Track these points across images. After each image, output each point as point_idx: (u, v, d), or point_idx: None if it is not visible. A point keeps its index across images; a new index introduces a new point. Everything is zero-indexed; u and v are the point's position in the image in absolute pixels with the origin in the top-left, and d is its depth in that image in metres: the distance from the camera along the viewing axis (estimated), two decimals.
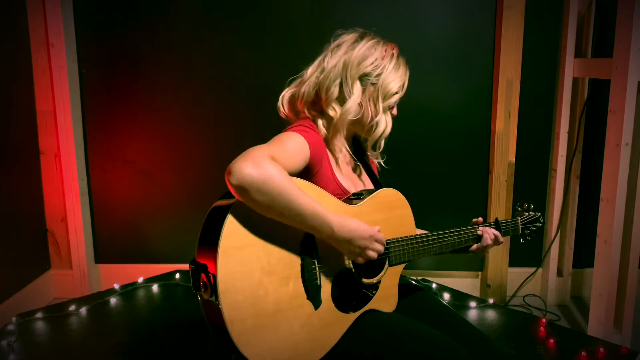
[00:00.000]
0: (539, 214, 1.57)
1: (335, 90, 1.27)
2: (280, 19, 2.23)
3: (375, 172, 1.47)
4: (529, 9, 2.15)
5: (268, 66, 2.26)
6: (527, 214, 1.55)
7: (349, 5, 2.21)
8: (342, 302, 1.21)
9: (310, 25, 2.22)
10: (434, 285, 2.10)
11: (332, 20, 2.22)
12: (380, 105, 1.29)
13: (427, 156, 2.34)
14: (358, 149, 1.44)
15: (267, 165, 1.03)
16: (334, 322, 1.20)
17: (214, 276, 1.03)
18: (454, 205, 2.35)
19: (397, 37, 2.17)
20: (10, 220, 2.15)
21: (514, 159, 2.26)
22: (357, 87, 1.27)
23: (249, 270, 1.07)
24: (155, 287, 2.08)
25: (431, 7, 2.22)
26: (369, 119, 1.30)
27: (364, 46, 1.28)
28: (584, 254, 2.34)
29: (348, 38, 1.31)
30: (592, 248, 1.89)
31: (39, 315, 1.83)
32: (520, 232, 1.53)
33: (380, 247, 1.17)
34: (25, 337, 1.71)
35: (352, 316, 1.23)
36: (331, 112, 1.28)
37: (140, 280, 2.10)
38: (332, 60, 1.29)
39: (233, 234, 1.06)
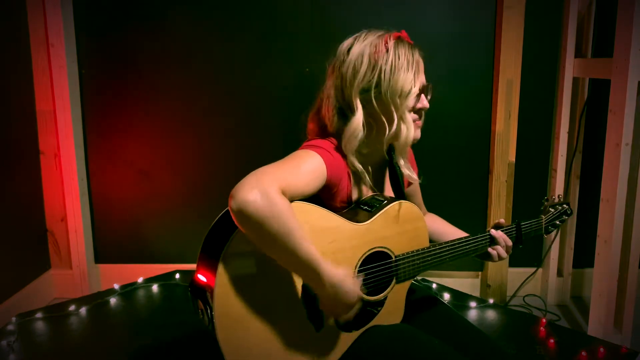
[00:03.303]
0: (566, 205, 1.50)
1: (336, 115, 1.19)
2: (280, 21, 2.23)
3: (405, 182, 1.39)
4: (529, 9, 2.15)
5: (268, 68, 2.25)
6: (552, 210, 1.47)
7: (348, 6, 2.20)
8: (345, 322, 1.17)
9: (310, 26, 2.22)
10: (434, 285, 2.10)
11: (332, 21, 2.22)
12: (395, 113, 1.17)
13: (427, 156, 2.33)
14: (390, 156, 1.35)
15: (274, 198, 0.94)
16: (335, 343, 1.17)
17: (211, 309, 1.00)
18: (454, 206, 2.34)
19: None
20: (10, 220, 2.15)
21: (514, 159, 2.26)
22: (359, 106, 1.16)
23: (249, 304, 1.04)
24: (155, 287, 2.07)
25: (431, 7, 2.22)
26: (388, 130, 1.18)
27: (352, 60, 1.16)
28: (584, 254, 2.34)
29: (340, 52, 1.20)
30: (592, 248, 1.88)
31: (39, 315, 1.83)
32: (544, 230, 1.47)
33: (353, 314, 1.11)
34: (25, 337, 1.71)
35: (355, 334, 1.20)
36: (343, 146, 1.19)
37: (140, 280, 2.10)
38: (329, 84, 1.21)
39: (231, 268, 1.01)
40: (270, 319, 1.07)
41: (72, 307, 1.89)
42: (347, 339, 1.19)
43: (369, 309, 1.21)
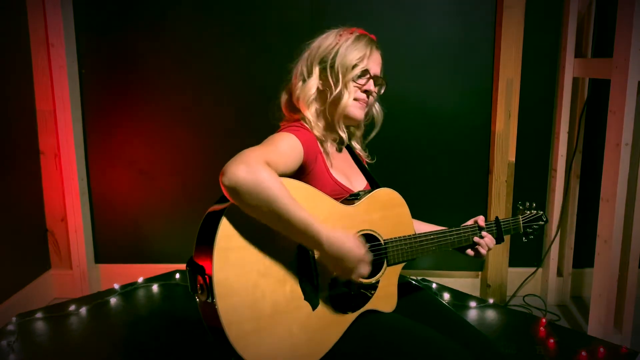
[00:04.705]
0: (541, 212, 1.56)
1: (300, 82, 1.34)
2: (280, 20, 2.23)
3: (365, 164, 1.48)
4: (529, 9, 2.15)
5: (267, 67, 2.25)
6: (528, 212, 1.54)
7: (348, 6, 2.20)
8: (341, 302, 1.21)
9: (309, 26, 2.22)
10: (434, 285, 2.09)
11: (332, 22, 2.21)
12: (341, 80, 1.30)
13: (427, 156, 2.33)
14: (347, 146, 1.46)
15: (260, 169, 1.04)
16: (332, 323, 1.19)
17: (210, 278, 1.03)
18: (454, 206, 2.35)
19: (397, 37, 2.19)
20: (10, 220, 2.15)
21: (514, 159, 2.26)
22: (316, 70, 1.33)
23: (245, 272, 1.07)
24: (155, 287, 2.07)
25: (431, 7, 2.22)
26: (334, 91, 1.31)
27: (320, 38, 1.36)
28: (584, 254, 2.34)
29: (312, 41, 1.38)
30: (592, 248, 1.89)
31: (39, 315, 1.83)
32: (522, 230, 1.52)
33: (367, 270, 1.16)
34: (25, 337, 1.71)
35: (351, 316, 1.23)
36: (302, 108, 1.32)
37: (140, 280, 2.10)
38: (298, 66, 1.38)
39: (228, 235, 1.06)
40: (268, 292, 1.09)
41: (72, 307, 1.89)
42: (343, 322, 1.21)
43: (362, 292, 1.25)
